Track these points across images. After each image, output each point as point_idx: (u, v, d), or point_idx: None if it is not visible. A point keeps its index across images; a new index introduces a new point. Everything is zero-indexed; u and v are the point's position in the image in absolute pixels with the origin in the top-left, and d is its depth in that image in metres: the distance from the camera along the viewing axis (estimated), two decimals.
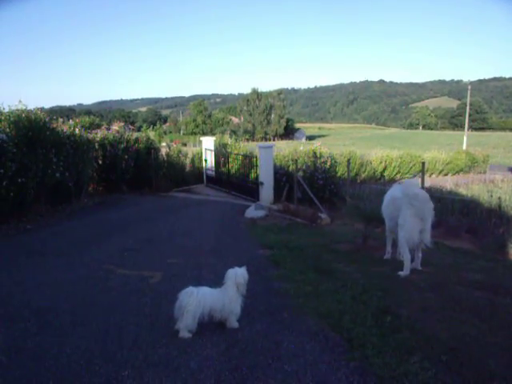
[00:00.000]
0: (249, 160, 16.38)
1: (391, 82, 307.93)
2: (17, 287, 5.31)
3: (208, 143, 18.90)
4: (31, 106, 11.27)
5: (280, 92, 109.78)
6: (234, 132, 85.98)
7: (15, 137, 9.85)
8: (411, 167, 26.08)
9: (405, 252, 5.85)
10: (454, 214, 9.60)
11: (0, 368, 3.33)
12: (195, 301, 3.74)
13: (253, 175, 15.63)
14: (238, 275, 3.98)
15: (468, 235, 8.73)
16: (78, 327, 4.08)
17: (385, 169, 24.92)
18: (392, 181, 23.84)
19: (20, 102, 10.82)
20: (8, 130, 9.86)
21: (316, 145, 17.46)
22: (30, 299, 4.86)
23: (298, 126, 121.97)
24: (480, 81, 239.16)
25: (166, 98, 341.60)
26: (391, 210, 6.20)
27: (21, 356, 3.52)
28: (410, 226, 5.73)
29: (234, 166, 17.25)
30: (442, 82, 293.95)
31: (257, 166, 14.67)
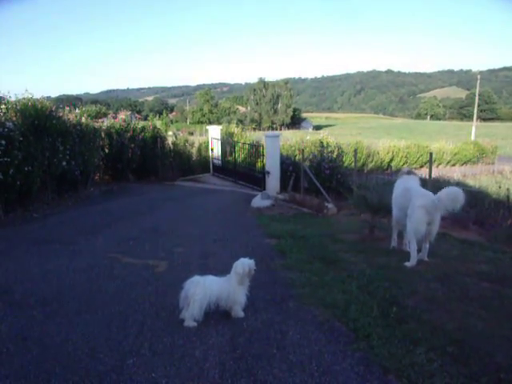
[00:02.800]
0: (255, 149, 16.34)
1: (399, 72, 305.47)
2: (23, 275, 5.34)
3: (214, 132, 18.84)
4: (38, 95, 11.33)
5: (287, 81, 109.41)
6: (240, 121, 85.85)
7: (22, 125, 9.86)
8: (418, 157, 25.93)
9: (412, 243, 5.81)
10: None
11: (7, 356, 3.35)
12: (202, 290, 3.73)
13: (259, 164, 15.60)
14: (244, 266, 3.95)
15: (475, 226, 8.66)
16: (84, 315, 4.09)
17: (392, 159, 24.79)
18: (399, 171, 23.71)
19: (26, 90, 10.83)
20: (14, 118, 9.87)
21: (323, 134, 17.39)
22: (36, 287, 4.88)
23: (304, 115, 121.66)
24: (490, 71, 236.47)
25: (173, 87, 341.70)
26: (402, 201, 6.12)
27: (27, 344, 3.53)
28: (417, 218, 5.70)
29: (240, 155, 17.23)
30: (450, 72, 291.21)
31: (263, 155, 14.64)
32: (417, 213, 5.71)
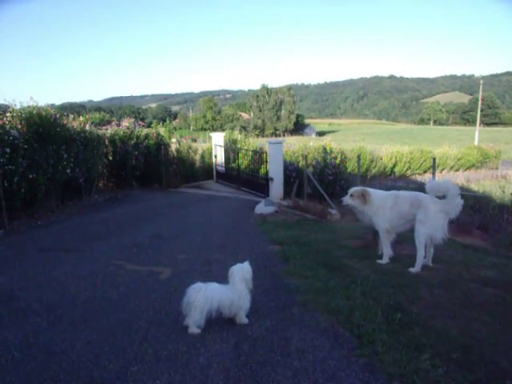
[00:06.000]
0: (258, 156, 16.37)
1: (402, 78, 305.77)
2: (28, 282, 5.36)
3: (218, 139, 18.90)
4: (42, 103, 11.43)
5: (290, 88, 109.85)
6: (243, 128, 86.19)
7: (26, 133, 9.94)
8: (422, 163, 25.89)
9: (420, 249, 5.78)
10: (465, 210, 9.48)
11: (12, 363, 3.36)
12: (203, 297, 3.74)
13: (263, 171, 15.62)
14: (244, 271, 3.97)
15: (479, 232, 8.63)
16: (88, 322, 4.10)
17: (395, 165, 24.77)
18: (402, 177, 23.69)
19: (31, 98, 10.93)
20: (19, 126, 9.94)
21: (326, 140, 17.38)
22: (41, 294, 4.90)
23: (307, 121, 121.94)
24: (492, 75, 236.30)
25: (176, 94, 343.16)
26: (406, 208, 6.05)
27: (32, 351, 3.54)
28: (435, 222, 5.70)
29: (243, 161, 17.26)
30: (453, 77, 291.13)
31: (267, 161, 14.65)
32: (435, 217, 5.71)
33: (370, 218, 6.38)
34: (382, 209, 6.23)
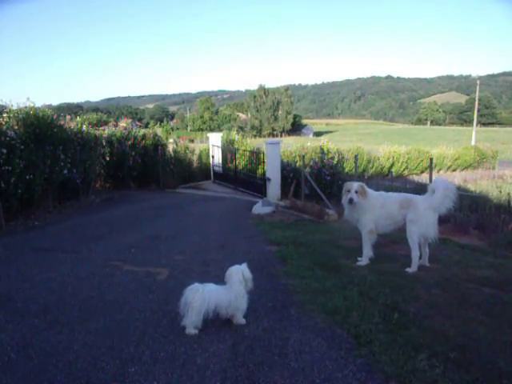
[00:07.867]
0: (256, 156, 16.36)
1: (399, 78, 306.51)
2: (25, 283, 5.35)
3: (215, 139, 18.89)
4: (39, 104, 11.39)
5: (287, 88, 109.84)
6: (241, 128, 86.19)
7: (23, 134, 9.91)
8: (419, 163, 25.95)
9: (414, 248, 5.81)
10: (462, 209, 9.51)
11: (8, 364, 3.35)
12: (200, 297, 3.74)
13: (260, 171, 15.61)
14: (241, 272, 3.97)
15: (476, 231, 8.65)
16: (85, 323, 4.09)
17: (392, 165, 24.80)
18: (400, 177, 23.72)
19: (28, 99, 10.89)
20: (16, 127, 9.92)
21: (323, 141, 17.41)
22: (37, 295, 4.88)
23: (305, 122, 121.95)
24: (489, 76, 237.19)
25: (173, 95, 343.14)
26: (395, 209, 6.05)
27: (29, 352, 3.53)
28: (425, 220, 5.75)
29: (241, 162, 17.26)
30: (450, 77, 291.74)
31: (264, 162, 14.65)
32: (425, 215, 5.76)
33: (358, 215, 6.28)
34: (373, 208, 6.19)
